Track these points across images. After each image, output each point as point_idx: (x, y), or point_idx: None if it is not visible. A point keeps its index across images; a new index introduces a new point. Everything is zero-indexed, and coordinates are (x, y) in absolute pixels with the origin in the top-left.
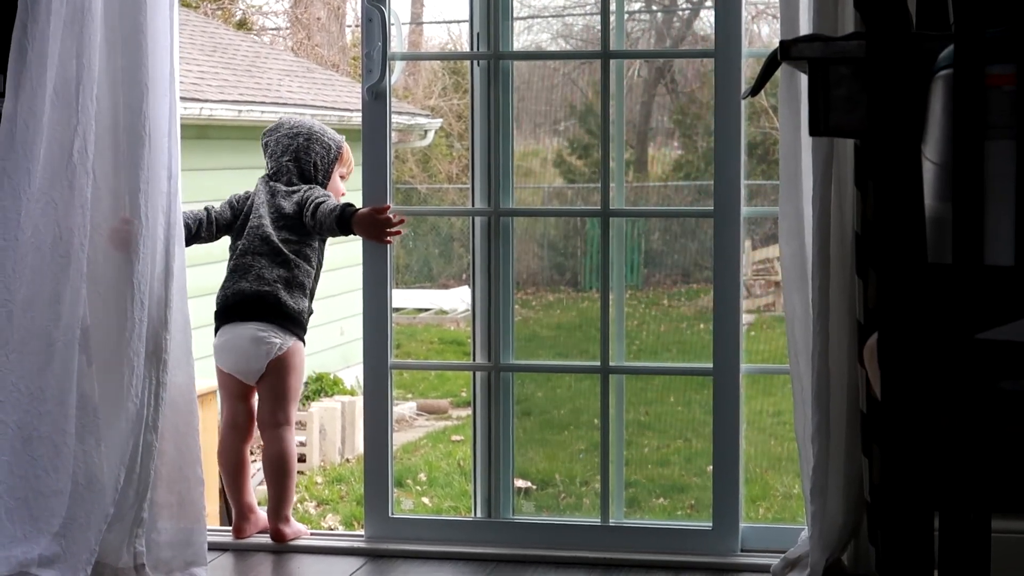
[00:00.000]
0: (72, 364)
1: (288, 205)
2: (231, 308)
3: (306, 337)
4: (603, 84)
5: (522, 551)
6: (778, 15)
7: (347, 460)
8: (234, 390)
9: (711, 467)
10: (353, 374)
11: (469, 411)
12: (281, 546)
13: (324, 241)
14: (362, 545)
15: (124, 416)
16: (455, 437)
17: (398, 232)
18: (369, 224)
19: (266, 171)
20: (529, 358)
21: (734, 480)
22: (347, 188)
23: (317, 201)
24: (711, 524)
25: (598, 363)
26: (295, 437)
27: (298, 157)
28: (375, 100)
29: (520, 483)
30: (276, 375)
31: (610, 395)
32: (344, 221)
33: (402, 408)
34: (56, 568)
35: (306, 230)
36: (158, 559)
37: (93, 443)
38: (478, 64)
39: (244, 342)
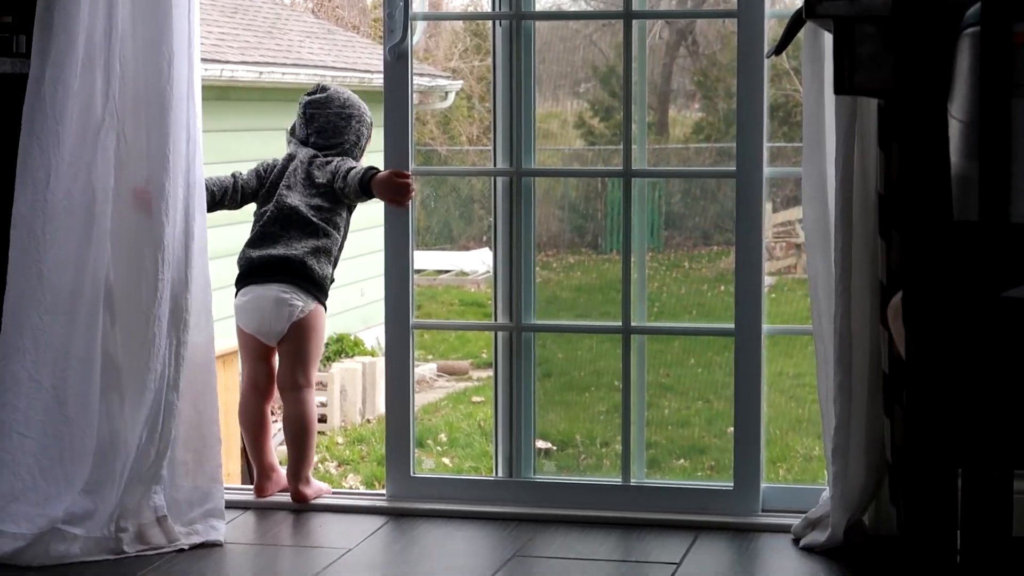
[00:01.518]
0: (97, 323)
1: (322, 175)
2: (256, 269)
3: (327, 302)
4: (625, 45)
5: (543, 510)
6: None
7: (368, 421)
8: (255, 350)
9: (731, 429)
10: (374, 335)
11: (489, 372)
12: (302, 505)
13: (351, 210)
14: (384, 504)
15: (148, 375)
16: (475, 398)
17: (412, 192)
18: (387, 187)
19: (298, 134)
20: (550, 320)
21: (755, 440)
22: (369, 148)
23: (347, 168)
24: (732, 484)
25: (619, 323)
26: (315, 399)
27: (347, 139)
28: (397, 60)
29: (541, 444)
30: (297, 337)
31: (631, 356)
32: (365, 184)
33: (422, 369)
34: (84, 524)
35: (337, 198)
36: (178, 513)
37: (117, 402)
38: (500, 24)
39: (267, 303)
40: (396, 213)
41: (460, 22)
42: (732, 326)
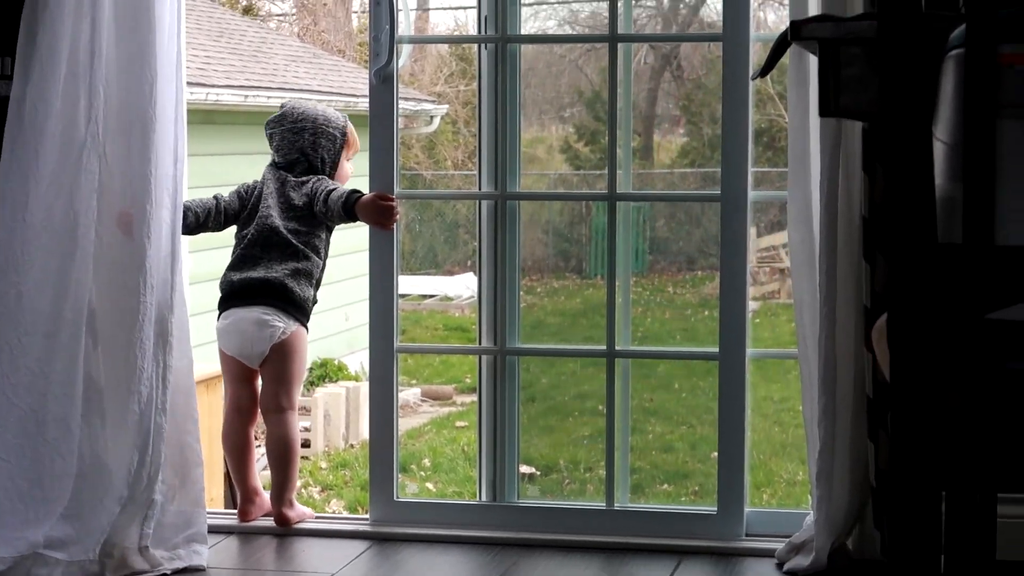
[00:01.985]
0: (79, 346)
1: (298, 197)
2: (238, 292)
3: (310, 324)
4: (610, 69)
5: (527, 535)
6: (784, 2)
7: (351, 445)
8: (237, 373)
9: (715, 453)
10: (358, 360)
11: (473, 397)
12: (286, 529)
13: (331, 232)
14: (367, 528)
15: (135, 399)
16: (459, 423)
17: (397, 215)
18: (372, 210)
19: (272, 159)
20: (534, 344)
21: (739, 464)
22: (354, 172)
23: (327, 190)
24: (716, 508)
25: (604, 347)
26: (299, 422)
27: (305, 153)
28: (382, 84)
29: (524, 469)
30: (279, 360)
31: (616, 380)
32: (349, 207)
33: (406, 394)
34: (66, 549)
35: (316, 221)
36: (161, 538)
37: (99, 425)
38: (485, 48)
39: (248, 325)
40: (381, 237)
41: (446, 46)
42: (716, 350)
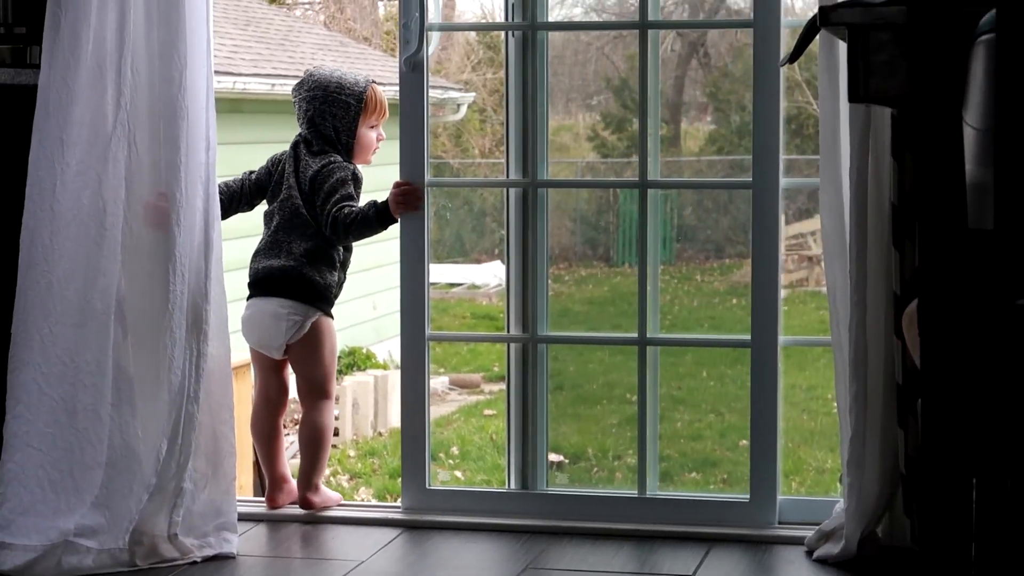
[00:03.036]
0: (108, 336)
1: (305, 180)
2: (259, 282)
3: (336, 311)
4: (640, 56)
5: (558, 523)
6: None
7: (380, 433)
8: (264, 363)
9: (744, 441)
10: (386, 348)
11: (500, 386)
12: (315, 516)
13: None
14: (399, 516)
15: (165, 387)
16: (487, 411)
17: (420, 195)
18: (402, 202)
19: None
20: (563, 332)
21: (772, 452)
22: (380, 160)
23: (345, 218)
24: (748, 496)
25: (635, 335)
26: (331, 410)
27: (313, 122)
28: (412, 71)
29: (553, 457)
30: (303, 351)
31: (646, 368)
32: (383, 214)
33: (434, 383)
34: (97, 537)
35: None
36: (191, 526)
37: (129, 414)
38: (513, 35)
39: (265, 317)
40: (412, 226)
41: (473, 34)
42: (748, 337)
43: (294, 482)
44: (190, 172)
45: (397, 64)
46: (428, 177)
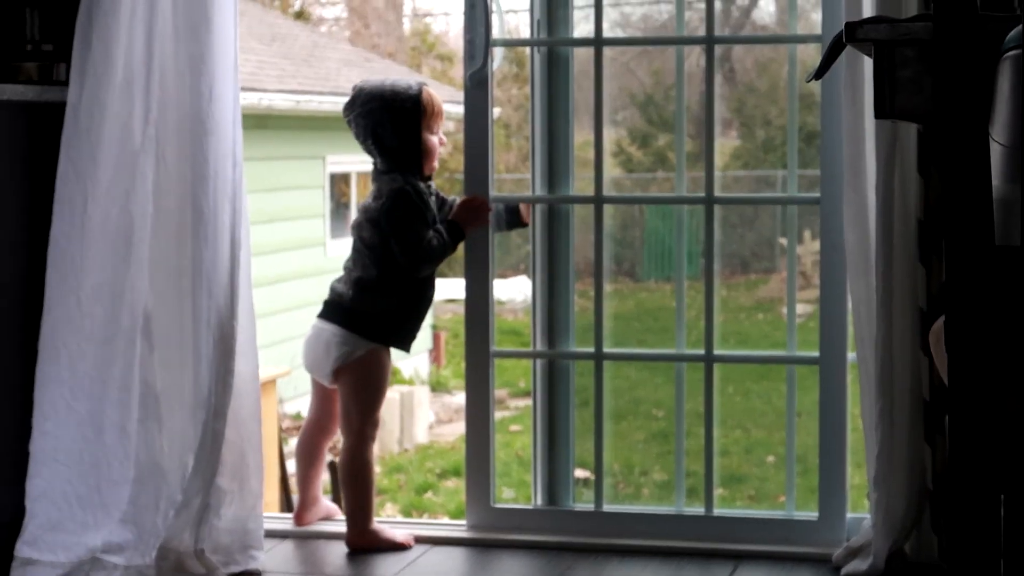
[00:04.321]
0: (134, 351)
1: (373, 199)
2: (326, 304)
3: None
4: (707, 69)
5: (608, 540)
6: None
7: (405, 450)
8: (317, 387)
9: (771, 457)
10: (412, 364)
11: (526, 401)
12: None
13: None
14: (463, 535)
15: (191, 403)
16: (513, 427)
17: (489, 210)
18: (471, 217)
19: None
20: (589, 347)
21: (841, 470)
22: (445, 144)
23: (413, 258)
24: (817, 515)
25: (702, 351)
26: (365, 448)
27: (377, 135)
28: (477, 87)
29: (579, 473)
30: (347, 382)
31: (713, 385)
32: (455, 235)
33: (460, 398)
34: (124, 553)
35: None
36: (217, 543)
37: (156, 430)
38: (538, 51)
39: (319, 344)
40: (476, 245)
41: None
42: (817, 354)
43: (324, 501)
44: (218, 188)
45: (421, 79)
46: (493, 192)
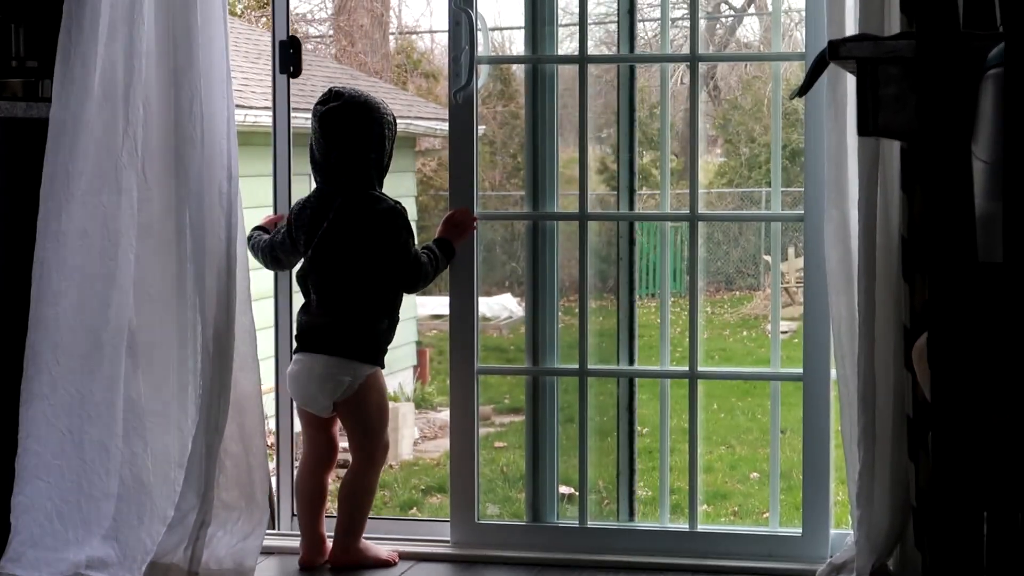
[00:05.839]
0: (119, 367)
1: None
2: (302, 335)
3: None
4: (692, 88)
5: (605, 556)
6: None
7: (391, 466)
8: (311, 420)
9: (754, 474)
10: (396, 381)
11: (511, 418)
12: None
13: None
14: (447, 551)
15: (179, 420)
16: (498, 443)
17: (474, 224)
18: (458, 231)
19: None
20: (572, 364)
21: (825, 486)
22: (400, 191)
23: (416, 268)
24: (801, 531)
25: (686, 368)
26: (373, 472)
27: (383, 148)
28: (462, 105)
29: (563, 489)
30: (351, 409)
31: (697, 401)
32: (448, 252)
33: (444, 415)
34: (108, 569)
35: None
36: (214, 559)
37: (141, 446)
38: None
39: (311, 379)
40: (460, 262)
41: (485, 67)
42: (800, 371)
43: (330, 543)
44: (205, 203)
45: (407, 97)
46: (478, 209)
